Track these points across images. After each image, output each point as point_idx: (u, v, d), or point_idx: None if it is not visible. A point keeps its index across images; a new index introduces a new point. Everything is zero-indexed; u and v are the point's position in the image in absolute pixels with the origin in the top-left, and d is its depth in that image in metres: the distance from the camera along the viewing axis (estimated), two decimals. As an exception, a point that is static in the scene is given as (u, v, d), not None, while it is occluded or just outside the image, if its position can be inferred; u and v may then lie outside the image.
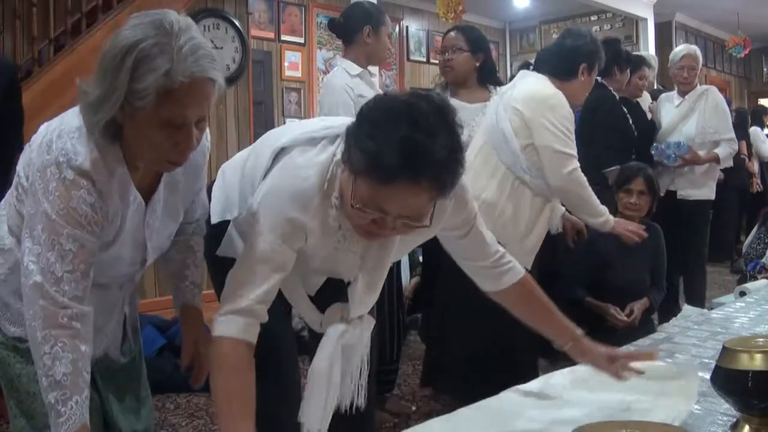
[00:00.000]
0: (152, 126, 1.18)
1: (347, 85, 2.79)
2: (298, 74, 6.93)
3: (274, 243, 1.29)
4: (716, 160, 3.92)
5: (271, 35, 6.76)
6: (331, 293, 1.50)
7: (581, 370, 1.70)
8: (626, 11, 7.65)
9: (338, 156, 1.29)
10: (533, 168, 2.50)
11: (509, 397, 1.54)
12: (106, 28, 4.28)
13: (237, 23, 5.29)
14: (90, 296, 1.25)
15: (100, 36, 4.25)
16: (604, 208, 2.65)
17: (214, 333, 1.28)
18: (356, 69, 2.85)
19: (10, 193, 1.37)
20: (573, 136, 2.53)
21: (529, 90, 2.55)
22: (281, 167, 1.34)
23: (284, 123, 6.85)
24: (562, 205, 2.79)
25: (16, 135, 2.56)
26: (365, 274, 1.41)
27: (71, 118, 1.25)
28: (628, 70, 3.94)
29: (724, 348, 1.25)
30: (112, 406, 1.51)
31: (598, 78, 3.90)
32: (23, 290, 1.22)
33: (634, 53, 4.54)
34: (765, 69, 10.69)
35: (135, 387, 1.59)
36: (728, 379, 1.22)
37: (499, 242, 2.46)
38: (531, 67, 3.53)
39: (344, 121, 1.31)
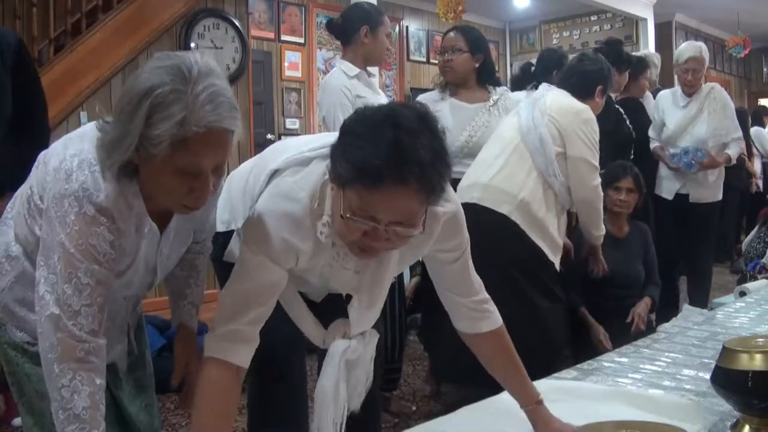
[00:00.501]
0: (167, 173, 1.17)
1: (344, 86, 2.78)
2: (298, 74, 6.93)
3: (265, 263, 1.29)
4: (729, 160, 3.91)
5: (271, 35, 6.76)
6: (333, 307, 1.49)
7: (586, 384, 1.71)
8: (626, 11, 7.65)
9: (328, 175, 1.28)
10: (561, 176, 2.61)
11: (510, 398, 1.54)
12: (106, 28, 4.28)
13: (237, 23, 5.28)
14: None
15: (100, 36, 4.26)
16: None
17: (204, 353, 1.28)
18: (354, 70, 2.85)
19: (21, 203, 1.35)
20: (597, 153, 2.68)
21: (564, 102, 2.67)
22: (273, 188, 1.34)
23: (284, 123, 6.86)
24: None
25: (39, 122, 2.31)
26: (364, 291, 1.40)
27: (91, 147, 1.22)
28: (627, 72, 3.92)
29: (724, 348, 1.25)
30: (129, 404, 1.51)
31: None
32: (38, 320, 1.21)
33: (635, 54, 4.52)
34: (765, 69, 10.70)
35: (149, 381, 1.61)
36: (728, 379, 1.22)
37: (534, 242, 2.57)
38: (533, 68, 3.55)
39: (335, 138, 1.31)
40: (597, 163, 2.65)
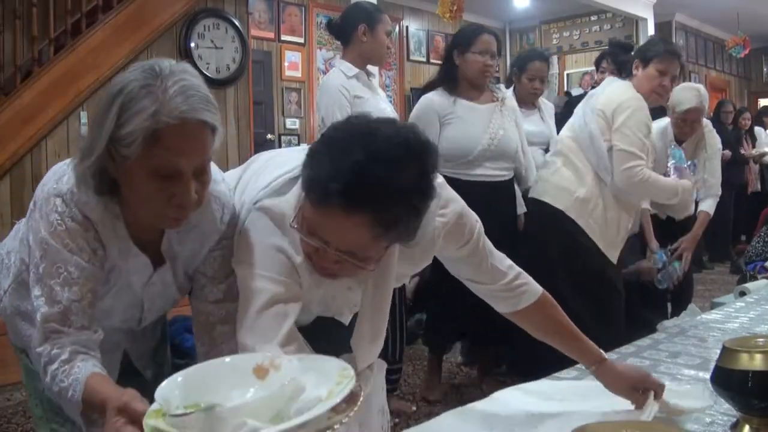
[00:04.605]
0: (143, 176, 1.09)
1: (342, 86, 2.77)
2: (297, 74, 6.93)
3: (270, 277, 1.16)
4: (708, 217, 3.62)
5: (271, 35, 6.76)
6: (325, 339, 1.36)
7: (586, 383, 1.70)
8: (626, 11, 7.66)
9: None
10: (611, 169, 2.64)
11: (511, 397, 1.54)
12: (106, 28, 4.29)
13: (237, 23, 5.29)
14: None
15: (100, 36, 4.26)
16: (673, 184, 2.78)
17: None
18: (353, 70, 2.84)
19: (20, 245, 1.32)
20: (645, 139, 2.62)
21: (611, 93, 2.70)
22: (256, 211, 1.24)
23: (284, 123, 6.86)
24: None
25: None
26: (366, 322, 1.28)
27: None
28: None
29: (724, 348, 1.25)
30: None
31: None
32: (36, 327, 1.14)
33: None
34: (765, 69, 10.71)
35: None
36: (728, 379, 1.21)
37: (590, 237, 2.67)
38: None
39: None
40: (632, 149, 2.58)
